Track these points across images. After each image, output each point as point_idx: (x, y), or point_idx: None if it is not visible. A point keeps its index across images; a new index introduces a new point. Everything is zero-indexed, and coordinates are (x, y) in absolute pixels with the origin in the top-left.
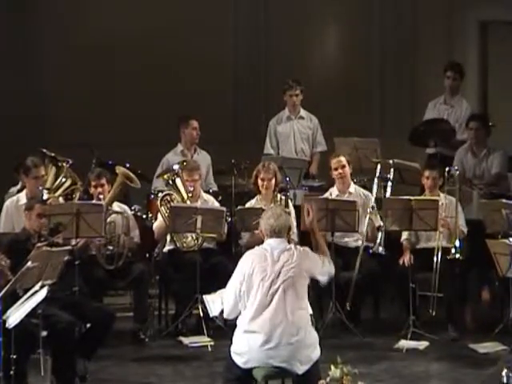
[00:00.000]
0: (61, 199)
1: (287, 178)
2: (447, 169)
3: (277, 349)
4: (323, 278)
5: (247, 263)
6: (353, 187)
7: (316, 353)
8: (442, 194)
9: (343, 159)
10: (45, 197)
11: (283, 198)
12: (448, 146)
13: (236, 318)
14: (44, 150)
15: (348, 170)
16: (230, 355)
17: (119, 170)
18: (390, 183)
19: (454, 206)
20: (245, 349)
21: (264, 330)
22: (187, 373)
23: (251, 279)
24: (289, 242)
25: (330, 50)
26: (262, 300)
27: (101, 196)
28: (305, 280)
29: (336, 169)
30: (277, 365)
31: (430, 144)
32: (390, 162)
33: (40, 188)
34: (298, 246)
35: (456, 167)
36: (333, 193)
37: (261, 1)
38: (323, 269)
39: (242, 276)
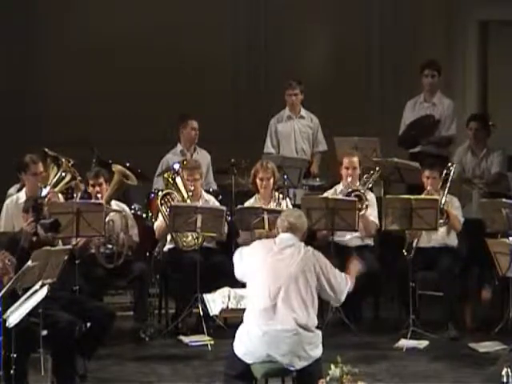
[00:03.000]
0: (61, 197)
1: (285, 176)
2: (449, 164)
3: (276, 342)
4: (336, 292)
5: (254, 252)
6: (358, 183)
7: (317, 351)
8: (442, 193)
9: (356, 160)
10: (44, 193)
11: (281, 195)
12: (432, 142)
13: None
14: (46, 150)
15: (358, 171)
16: (232, 350)
17: (116, 168)
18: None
19: (453, 203)
20: (245, 342)
21: (266, 323)
22: (187, 372)
23: (255, 272)
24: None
25: (329, 50)
26: (264, 294)
27: (99, 195)
28: (309, 279)
29: (347, 168)
30: (276, 358)
31: (423, 143)
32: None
33: (38, 184)
34: (310, 247)
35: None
36: (338, 189)
37: (261, 1)
38: (339, 281)
39: (250, 261)
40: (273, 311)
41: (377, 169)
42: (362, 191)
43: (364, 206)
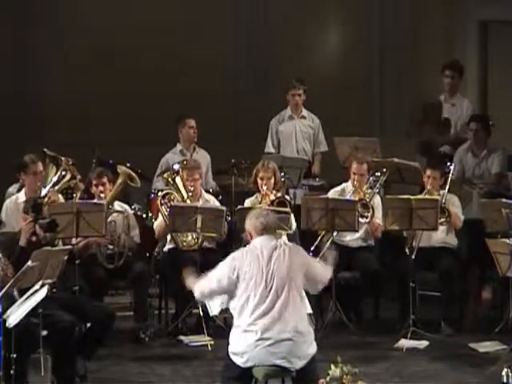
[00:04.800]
0: (61, 197)
1: (281, 174)
2: (449, 164)
3: (276, 346)
4: (321, 282)
5: (240, 260)
6: (365, 186)
7: (312, 348)
8: (442, 192)
9: (365, 168)
10: (43, 192)
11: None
12: (449, 142)
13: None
14: (45, 150)
15: (364, 178)
16: (228, 355)
17: (121, 169)
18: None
19: (453, 202)
20: (243, 348)
21: (262, 328)
22: (187, 372)
23: (245, 279)
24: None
25: (329, 50)
26: (258, 300)
27: (102, 195)
28: (299, 275)
29: (354, 173)
30: (277, 362)
31: (439, 142)
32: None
33: (38, 184)
34: (288, 242)
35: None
36: (346, 189)
37: (261, 1)
38: (323, 272)
39: (233, 269)
40: (270, 318)
41: (384, 170)
42: (368, 199)
43: (370, 213)
